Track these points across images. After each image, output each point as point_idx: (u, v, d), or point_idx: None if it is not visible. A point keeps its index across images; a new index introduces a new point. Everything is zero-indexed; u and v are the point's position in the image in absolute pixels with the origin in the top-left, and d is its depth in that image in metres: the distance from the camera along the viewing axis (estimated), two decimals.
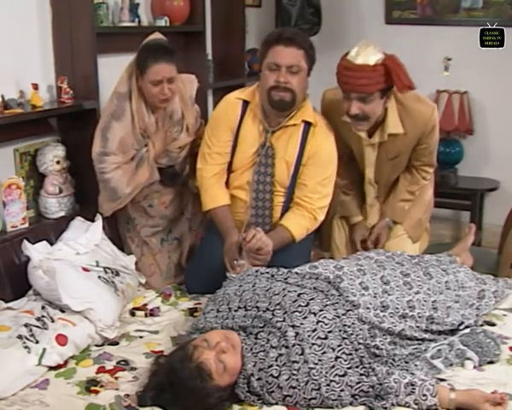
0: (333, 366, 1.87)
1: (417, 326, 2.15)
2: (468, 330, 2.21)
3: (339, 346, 1.92)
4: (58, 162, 2.78)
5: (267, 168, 2.63)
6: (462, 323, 2.24)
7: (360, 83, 2.42)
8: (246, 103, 2.67)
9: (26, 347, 2.04)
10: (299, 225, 2.63)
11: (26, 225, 2.65)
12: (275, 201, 2.66)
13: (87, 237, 2.61)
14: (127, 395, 1.94)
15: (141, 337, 2.37)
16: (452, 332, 2.22)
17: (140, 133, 2.65)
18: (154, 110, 2.68)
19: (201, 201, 2.75)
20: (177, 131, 2.75)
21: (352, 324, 2.01)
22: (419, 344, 2.14)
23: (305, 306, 2.01)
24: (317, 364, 1.87)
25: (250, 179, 2.66)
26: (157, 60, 2.53)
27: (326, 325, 1.96)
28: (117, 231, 2.88)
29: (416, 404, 1.85)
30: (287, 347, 1.91)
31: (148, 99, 2.62)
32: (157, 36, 2.69)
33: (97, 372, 2.10)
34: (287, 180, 2.64)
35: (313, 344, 1.90)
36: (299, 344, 1.91)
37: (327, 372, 1.86)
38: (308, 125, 2.62)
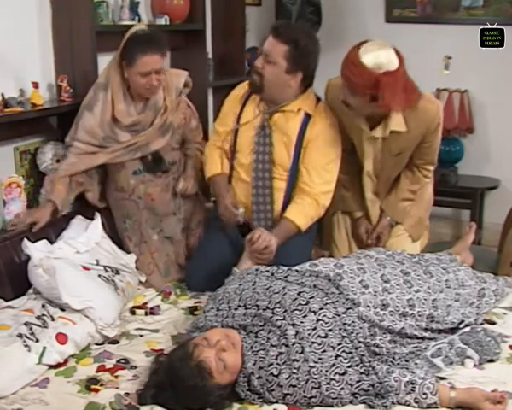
0: (333, 365, 1.87)
1: (417, 325, 2.15)
2: (468, 329, 2.22)
3: (339, 344, 1.92)
4: (58, 161, 2.78)
5: (265, 147, 2.68)
6: (463, 321, 2.24)
7: (346, 73, 2.43)
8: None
9: (26, 345, 2.04)
10: (302, 213, 2.64)
11: None
12: (276, 183, 2.69)
13: (87, 235, 2.61)
14: (127, 394, 1.93)
15: (141, 336, 2.37)
16: (452, 331, 2.22)
17: (110, 124, 2.66)
18: (135, 100, 2.70)
19: (204, 171, 2.85)
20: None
21: (352, 322, 2.01)
22: (419, 343, 2.14)
23: (305, 304, 2.01)
24: (317, 362, 1.87)
25: (250, 160, 2.71)
26: (145, 51, 2.56)
27: (326, 323, 1.96)
28: (116, 230, 2.88)
29: (417, 402, 1.85)
30: (287, 345, 1.91)
31: (135, 89, 2.65)
32: (141, 26, 2.74)
33: (97, 371, 2.10)
34: (287, 161, 2.67)
35: (313, 343, 1.90)
36: (299, 343, 1.91)
37: (327, 371, 1.86)
38: (308, 116, 2.66)
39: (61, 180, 2.68)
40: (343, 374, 1.87)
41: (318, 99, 2.73)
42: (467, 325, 2.24)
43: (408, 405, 1.86)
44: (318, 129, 2.64)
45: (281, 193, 2.70)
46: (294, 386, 1.86)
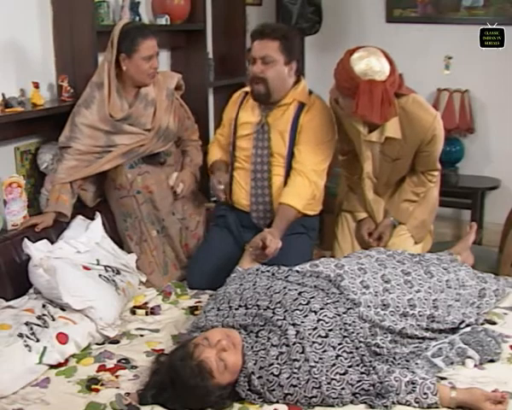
0: (333, 365, 1.87)
1: (418, 325, 2.15)
2: (468, 329, 2.21)
3: (339, 344, 1.92)
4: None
5: (264, 142, 2.77)
6: (463, 321, 2.24)
7: (336, 72, 2.52)
8: (246, 94, 2.87)
9: (26, 345, 2.04)
10: (295, 195, 2.70)
11: None
12: (274, 170, 2.77)
13: (88, 235, 2.61)
14: (128, 394, 1.93)
15: (141, 336, 2.37)
16: (453, 331, 2.22)
17: (110, 119, 2.70)
18: (126, 94, 2.76)
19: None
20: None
21: (353, 322, 2.01)
22: (420, 343, 2.14)
23: (306, 304, 2.01)
24: (317, 362, 1.87)
25: (250, 154, 2.80)
26: (146, 36, 2.69)
27: (327, 323, 1.96)
28: (117, 229, 2.88)
29: (417, 402, 1.85)
30: (287, 345, 1.91)
31: (137, 77, 2.71)
32: (126, 21, 2.84)
33: (98, 371, 2.10)
34: (283, 149, 2.74)
35: (314, 342, 1.90)
36: (299, 342, 1.91)
37: (327, 371, 1.86)
38: (302, 105, 2.74)
39: (64, 189, 2.69)
40: (344, 374, 1.87)
41: (310, 92, 2.81)
42: (467, 325, 2.24)
43: (408, 405, 1.86)
44: (312, 115, 2.73)
45: (279, 178, 2.77)
46: (295, 386, 1.86)
